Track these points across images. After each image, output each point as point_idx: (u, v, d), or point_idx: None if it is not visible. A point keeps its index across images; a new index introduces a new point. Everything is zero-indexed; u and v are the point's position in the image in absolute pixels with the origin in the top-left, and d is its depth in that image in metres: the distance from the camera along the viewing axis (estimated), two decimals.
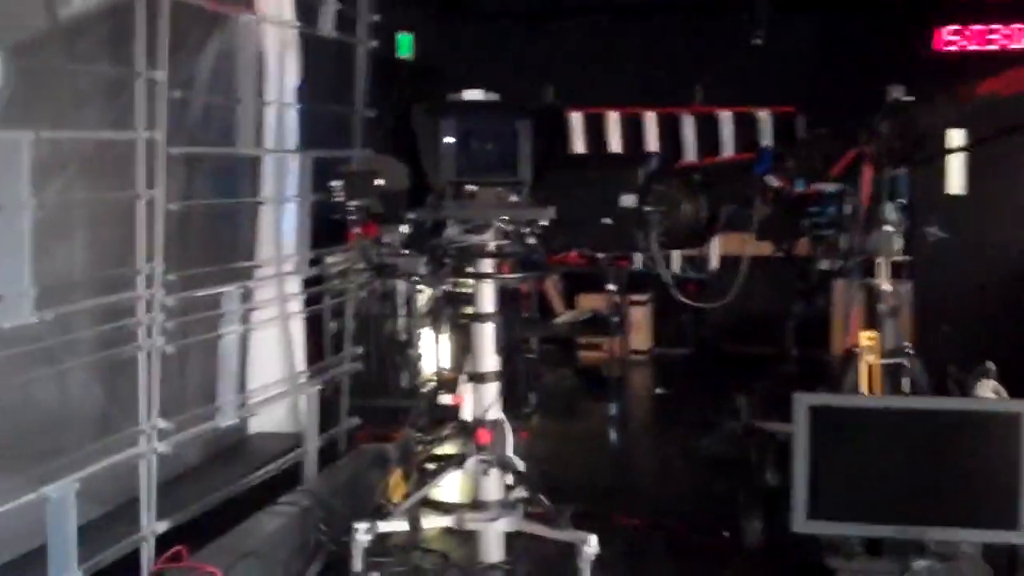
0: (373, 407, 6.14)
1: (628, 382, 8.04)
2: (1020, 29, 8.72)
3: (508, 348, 5.75)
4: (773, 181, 5.16)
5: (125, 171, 3.90)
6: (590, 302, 8.69)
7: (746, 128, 9.45)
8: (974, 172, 8.51)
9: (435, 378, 6.62)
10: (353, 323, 5.75)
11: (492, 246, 4.53)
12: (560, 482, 5.40)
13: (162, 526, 3.95)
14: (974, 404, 4.39)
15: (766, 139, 9.36)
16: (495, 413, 4.49)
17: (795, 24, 9.06)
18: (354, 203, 4.73)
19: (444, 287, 5.52)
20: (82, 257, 4.32)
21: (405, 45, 9.08)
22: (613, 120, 9.58)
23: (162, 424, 3.94)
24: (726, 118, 9.47)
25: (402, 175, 5.24)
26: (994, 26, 8.70)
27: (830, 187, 5.12)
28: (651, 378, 8.65)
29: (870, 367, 4.63)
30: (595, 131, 9.57)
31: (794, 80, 9.06)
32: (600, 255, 7.29)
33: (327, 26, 5.51)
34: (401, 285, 6.39)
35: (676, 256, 8.82)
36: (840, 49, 8.94)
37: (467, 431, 4.46)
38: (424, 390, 6.42)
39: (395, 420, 6.05)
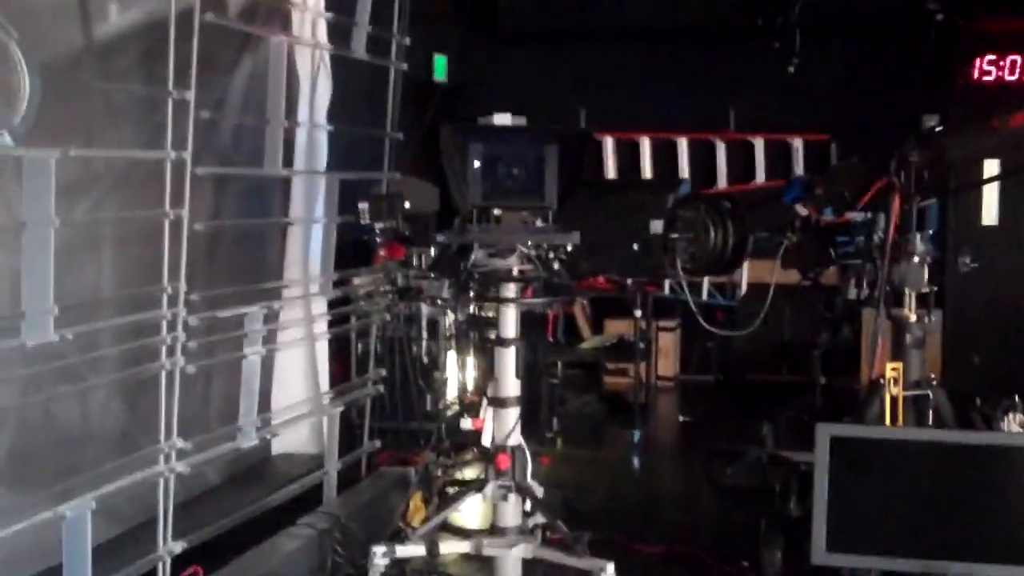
0: (396, 430, 6.16)
1: (653, 408, 8.01)
2: None
3: (531, 373, 5.75)
4: (802, 210, 5.14)
5: (154, 190, 3.93)
6: (617, 327, 8.67)
7: (779, 155, 9.41)
8: (1008, 203, 8.46)
9: (458, 402, 6.62)
10: (378, 345, 5.77)
11: (516, 271, 4.53)
12: (582, 508, 5.39)
13: (178, 546, 3.95)
14: (997, 438, 4.35)
15: (799, 166, 9.32)
16: (515, 438, 4.49)
17: (830, 51, 9.03)
18: (380, 225, 4.75)
19: (468, 311, 5.54)
20: (108, 275, 4.35)
21: (440, 67, 9.13)
22: (645, 145, 9.56)
23: (181, 444, 3.96)
24: (759, 145, 9.44)
25: (431, 197, 5.25)
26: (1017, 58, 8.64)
27: (859, 216, 5.09)
28: (677, 405, 8.61)
29: (894, 398, 4.59)
30: (627, 155, 9.56)
31: (828, 108, 9.03)
32: (628, 280, 7.28)
33: (359, 48, 5.54)
34: (426, 308, 6.40)
35: (705, 283, 8.80)
36: (875, 77, 8.90)
37: (487, 456, 4.46)
38: (446, 414, 6.42)
39: (417, 443, 6.06)
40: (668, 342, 9.01)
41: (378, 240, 4.92)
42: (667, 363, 9.03)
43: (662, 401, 8.51)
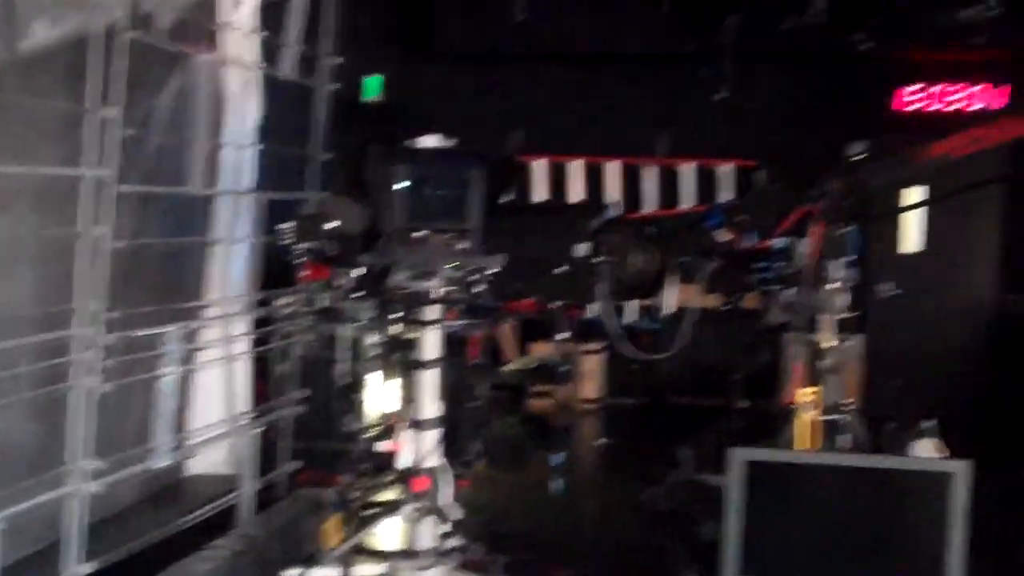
0: (317, 451, 6.12)
1: (576, 432, 8.03)
2: (980, 91, 8.84)
3: (454, 394, 5.77)
4: (721, 236, 5.21)
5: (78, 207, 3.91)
6: (542, 350, 8.68)
7: (708, 181, 9.50)
8: (930, 230, 8.62)
9: (378, 423, 6.59)
10: (299, 366, 5.75)
11: (439, 293, 4.55)
12: (501, 531, 5.39)
13: (86, 568, 3.91)
14: (903, 463, 4.41)
15: (728, 192, 9.42)
16: (435, 460, 4.50)
17: (759, 79, 9.14)
18: (304, 245, 4.74)
19: (391, 332, 5.54)
20: (28, 292, 4.30)
21: (373, 87, 9.12)
22: (576, 168, 9.62)
23: (93, 464, 3.92)
24: (688, 170, 9.53)
25: (358, 218, 5.25)
26: (954, 87, 8.82)
27: (779, 242, 5.17)
28: (600, 428, 8.64)
29: (810, 422, 4.66)
30: (558, 178, 9.61)
31: (757, 134, 9.12)
32: (553, 303, 7.32)
33: (288, 68, 5.53)
34: (348, 329, 6.37)
35: (633, 306, 8.84)
36: (803, 104, 9.02)
37: (405, 478, 4.47)
38: (365, 435, 6.40)
39: (338, 465, 6.03)
40: (594, 365, 9.03)
41: (303, 260, 4.92)
42: (592, 386, 9.05)
43: (585, 424, 8.53)
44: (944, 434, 5.38)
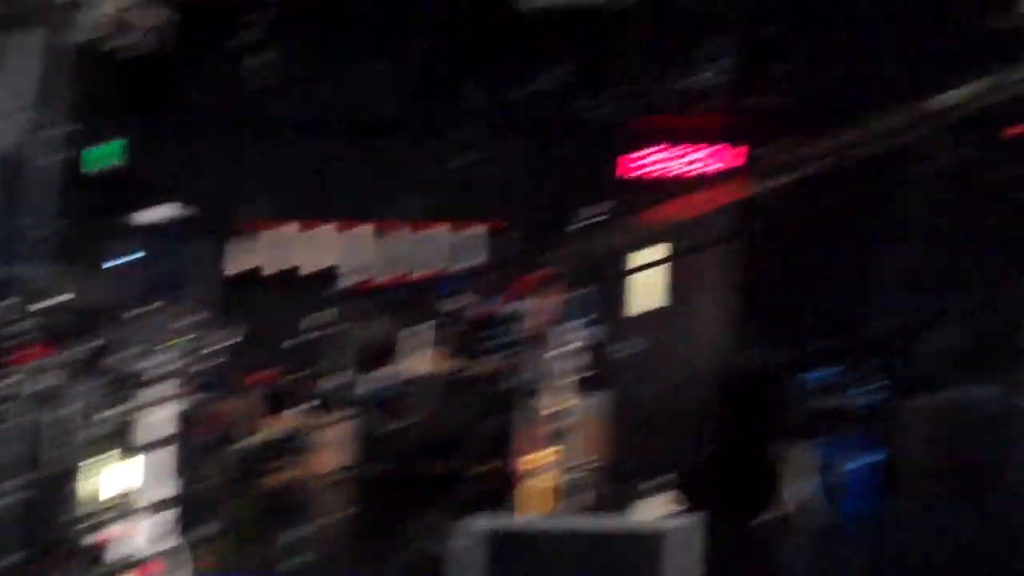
0: (40, 541, 5.84)
1: (319, 503, 7.89)
2: (718, 151, 9.18)
3: (188, 472, 5.61)
4: (454, 302, 5.27)
5: None
6: (282, 422, 8.53)
7: (456, 243, 9.56)
8: (669, 289, 8.87)
9: (108, 508, 6.34)
10: (23, 450, 5.48)
11: (168, 369, 4.43)
12: None
13: None
14: (627, 525, 4.46)
15: (474, 255, 9.49)
16: (169, 542, 4.37)
17: (508, 144, 9.25)
18: (25, 323, 4.56)
19: (118, 411, 5.35)
20: None
21: (110, 154, 8.87)
22: (322, 235, 9.54)
23: None
24: (436, 233, 9.56)
25: (84, 293, 5.08)
26: (693, 148, 9.13)
27: (514, 306, 5.24)
28: (343, 499, 8.51)
29: (546, 485, 4.70)
30: (302, 245, 9.52)
31: (505, 199, 9.21)
32: (293, 374, 7.23)
33: (7, 139, 5.32)
34: (71, 409, 6.13)
35: (380, 373, 8.80)
36: (544, 169, 9.17)
37: (136, 564, 4.32)
38: (91, 523, 6.14)
39: (63, 554, 5.76)
40: (337, 435, 8.87)
41: (24, 338, 4.74)
42: (334, 456, 8.88)
43: (326, 497, 8.38)
44: (684, 488, 5.51)
